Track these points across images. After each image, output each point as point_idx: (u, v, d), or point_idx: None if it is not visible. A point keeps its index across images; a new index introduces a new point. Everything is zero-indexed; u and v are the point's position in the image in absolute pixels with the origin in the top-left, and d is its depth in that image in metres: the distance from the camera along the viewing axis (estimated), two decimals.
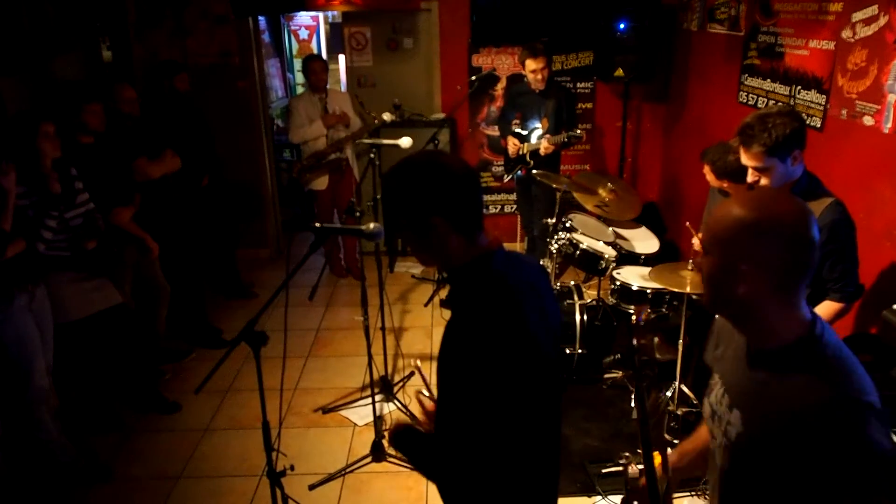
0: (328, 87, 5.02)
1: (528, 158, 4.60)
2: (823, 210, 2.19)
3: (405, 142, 3.78)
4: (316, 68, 4.86)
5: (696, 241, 3.45)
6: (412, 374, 4.06)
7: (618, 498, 3.02)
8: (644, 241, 4.20)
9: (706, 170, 3.22)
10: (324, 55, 7.65)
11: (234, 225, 5.21)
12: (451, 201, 1.46)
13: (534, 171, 4.30)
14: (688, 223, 3.48)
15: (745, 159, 2.24)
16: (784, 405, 1.19)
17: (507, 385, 1.40)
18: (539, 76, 4.40)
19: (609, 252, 3.87)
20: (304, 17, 7.81)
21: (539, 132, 4.54)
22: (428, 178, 1.46)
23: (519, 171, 4.75)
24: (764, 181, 2.24)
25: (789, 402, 1.18)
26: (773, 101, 3.70)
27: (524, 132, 4.63)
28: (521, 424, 1.47)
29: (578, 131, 4.28)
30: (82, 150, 3.37)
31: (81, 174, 3.17)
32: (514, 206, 5.51)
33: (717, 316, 1.54)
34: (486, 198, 5.88)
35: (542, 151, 4.43)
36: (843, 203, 2.22)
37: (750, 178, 2.27)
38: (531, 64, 4.37)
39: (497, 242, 1.54)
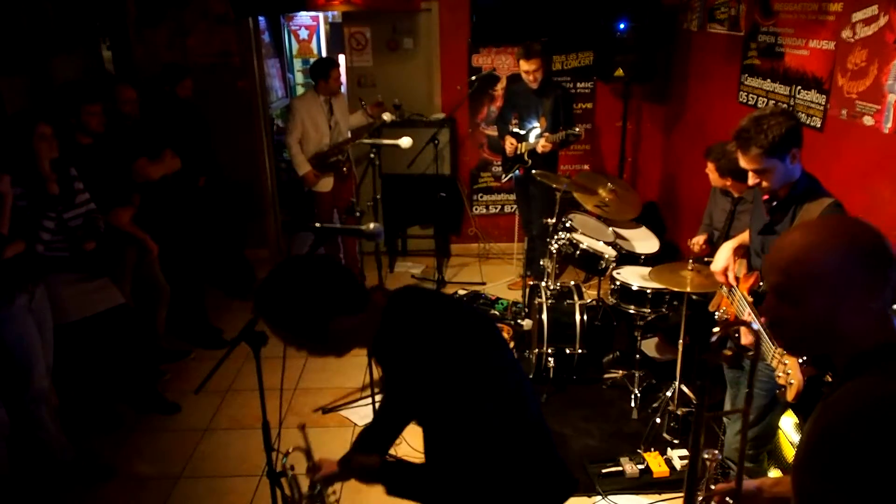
0: None
1: (525, 158, 4.60)
2: (823, 211, 2.19)
3: (405, 142, 3.79)
4: (337, 74, 4.92)
5: (694, 242, 3.45)
6: None
7: (618, 498, 3.02)
8: (644, 241, 4.20)
9: (710, 168, 3.22)
10: (324, 55, 7.65)
11: (235, 225, 5.21)
12: (337, 297, 1.51)
13: (533, 171, 4.30)
14: (689, 244, 3.43)
15: (744, 163, 2.24)
16: (839, 405, 1.13)
17: (475, 378, 1.52)
18: (531, 77, 4.43)
19: (609, 252, 3.87)
20: (304, 17, 7.81)
21: (537, 131, 4.54)
22: (305, 293, 1.50)
23: (516, 171, 4.75)
24: (766, 183, 2.24)
25: (844, 402, 1.13)
26: (774, 102, 3.70)
27: (521, 132, 4.63)
28: (503, 410, 1.56)
29: (577, 129, 4.28)
30: (81, 150, 3.37)
31: (80, 175, 3.17)
32: (514, 206, 5.51)
33: None
34: (486, 198, 5.89)
35: (539, 149, 4.43)
36: (842, 204, 2.23)
37: (751, 180, 2.27)
38: (524, 65, 4.40)
39: (384, 293, 1.64)
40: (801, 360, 2.02)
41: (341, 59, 5.84)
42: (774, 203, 2.33)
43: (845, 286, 1.12)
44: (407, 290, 1.70)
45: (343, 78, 5.61)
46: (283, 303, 1.51)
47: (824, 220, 1.22)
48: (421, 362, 1.53)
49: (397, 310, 1.61)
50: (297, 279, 1.53)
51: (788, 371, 2.01)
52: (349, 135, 5.05)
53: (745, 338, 2.29)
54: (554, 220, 4.04)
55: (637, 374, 3.70)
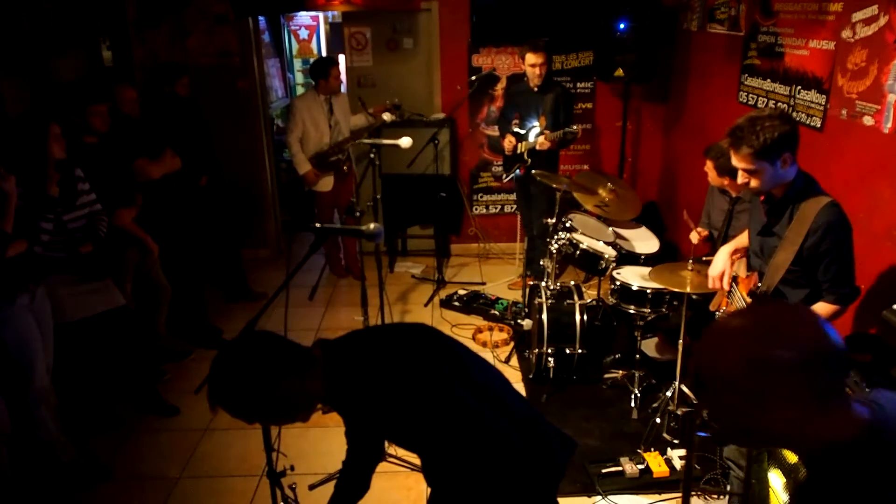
0: None
1: (525, 157, 4.60)
2: (819, 210, 2.19)
3: (405, 142, 3.78)
4: (336, 73, 4.96)
5: (693, 236, 3.44)
6: None
7: (618, 498, 3.02)
8: (644, 241, 4.20)
9: (708, 166, 3.22)
10: (324, 55, 7.66)
11: (234, 225, 5.21)
12: (283, 367, 1.57)
13: (533, 171, 4.30)
14: (685, 214, 3.46)
15: (735, 161, 2.25)
16: None
17: (443, 393, 1.60)
18: (537, 71, 4.43)
19: (609, 252, 3.87)
20: (304, 17, 7.81)
21: (536, 130, 4.54)
22: (252, 379, 1.55)
23: (517, 171, 4.75)
24: (754, 183, 2.25)
25: None
26: (774, 102, 3.70)
27: (522, 131, 4.64)
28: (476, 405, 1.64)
29: (574, 128, 4.28)
30: (86, 150, 3.37)
31: (86, 175, 3.17)
32: (515, 206, 5.51)
33: None
34: (486, 198, 5.89)
35: (538, 147, 4.43)
36: (839, 204, 2.23)
37: (740, 179, 2.28)
38: (531, 58, 4.40)
39: (322, 346, 1.69)
40: None
41: (341, 58, 5.85)
42: (771, 204, 2.33)
43: (766, 398, 1.02)
44: (342, 338, 1.77)
45: (343, 78, 5.62)
46: (236, 395, 1.57)
47: (766, 315, 1.07)
48: (381, 394, 1.60)
49: (337, 358, 1.67)
50: (240, 369, 1.58)
51: None
52: (349, 134, 5.06)
53: None
54: (554, 220, 4.04)
55: (637, 374, 3.70)
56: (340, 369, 1.65)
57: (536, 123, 4.56)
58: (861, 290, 2.33)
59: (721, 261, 2.55)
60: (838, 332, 1.04)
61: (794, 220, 2.23)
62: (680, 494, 3.00)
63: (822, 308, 2.25)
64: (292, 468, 2.46)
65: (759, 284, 2.35)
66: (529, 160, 4.58)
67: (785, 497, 2.29)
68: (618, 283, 3.63)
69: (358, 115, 5.11)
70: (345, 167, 5.13)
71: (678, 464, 3.13)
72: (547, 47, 4.39)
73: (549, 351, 3.80)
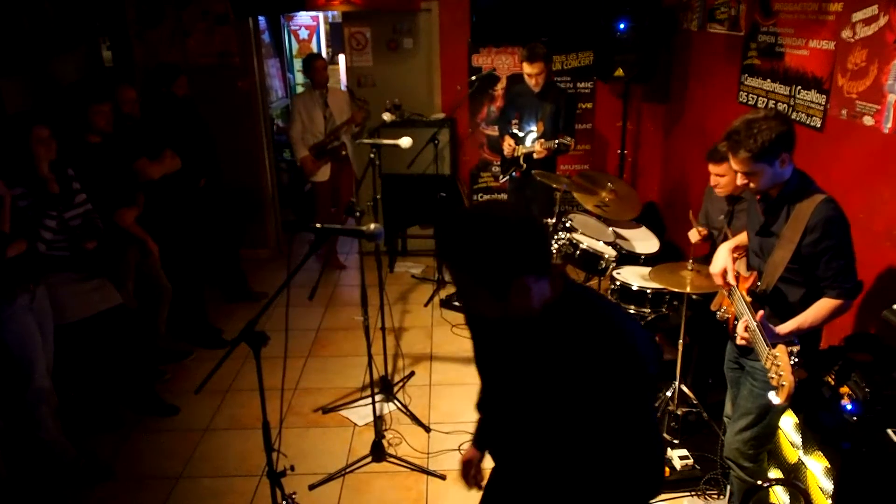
0: (328, 85, 5.24)
1: (521, 161, 4.57)
2: (815, 208, 2.19)
3: (405, 142, 3.78)
4: (318, 66, 5.15)
5: (692, 234, 3.44)
6: (412, 374, 4.07)
7: None
8: (644, 241, 4.20)
9: (711, 168, 3.21)
10: (324, 55, 7.67)
11: (234, 225, 5.22)
12: (536, 257, 1.41)
13: (533, 171, 4.28)
14: (691, 213, 3.47)
15: (733, 164, 2.25)
16: None
17: (635, 387, 1.47)
18: (534, 80, 4.41)
19: (609, 252, 3.87)
20: (304, 17, 7.81)
21: (533, 135, 4.52)
22: (509, 241, 1.37)
23: (513, 173, 4.74)
24: (752, 185, 2.25)
25: None
26: (774, 102, 3.70)
27: (520, 134, 4.62)
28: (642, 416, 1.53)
29: (567, 139, 4.21)
30: (90, 150, 3.37)
31: (88, 175, 3.17)
32: None
33: None
34: (486, 198, 5.89)
35: (535, 155, 4.41)
36: (834, 200, 2.22)
37: (739, 180, 2.28)
38: (527, 68, 4.38)
39: (561, 273, 1.53)
40: (793, 363, 2.02)
41: (341, 58, 5.87)
42: (767, 203, 2.33)
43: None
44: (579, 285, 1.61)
45: (343, 77, 5.64)
46: (476, 245, 1.39)
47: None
48: (603, 352, 1.43)
49: (575, 289, 1.51)
50: (496, 225, 1.41)
51: (781, 373, 2.01)
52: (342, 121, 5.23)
53: (741, 336, 2.29)
54: (554, 220, 4.03)
55: None
56: (577, 305, 1.50)
57: (535, 128, 4.53)
58: (864, 285, 2.32)
59: (721, 258, 2.55)
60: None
61: (790, 219, 2.23)
62: (680, 494, 3.01)
63: (826, 303, 2.24)
64: (292, 468, 2.46)
65: (759, 283, 2.35)
66: (525, 165, 4.55)
67: (786, 497, 2.29)
68: (618, 283, 3.62)
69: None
70: (343, 152, 5.28)
71: (678, 464, 3.13)
72: (545, 56, 4.32)
73: None
